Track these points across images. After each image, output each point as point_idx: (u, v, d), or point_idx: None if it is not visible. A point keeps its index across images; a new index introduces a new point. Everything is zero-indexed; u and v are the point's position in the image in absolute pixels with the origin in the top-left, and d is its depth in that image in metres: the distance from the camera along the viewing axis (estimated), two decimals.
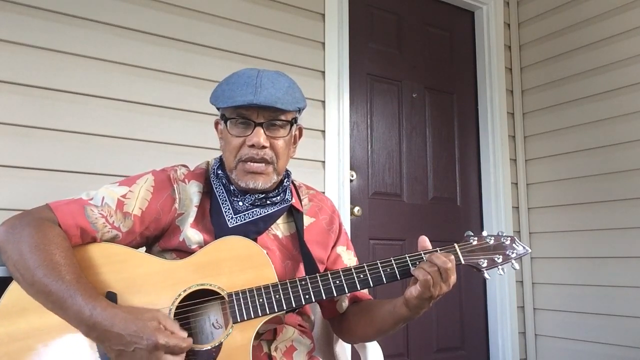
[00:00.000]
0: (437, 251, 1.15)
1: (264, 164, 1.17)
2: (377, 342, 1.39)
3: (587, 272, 2.75)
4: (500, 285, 2.93)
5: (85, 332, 0.99)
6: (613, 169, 2.67)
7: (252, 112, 1.16)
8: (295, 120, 1.23)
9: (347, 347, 1.65)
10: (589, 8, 2.84)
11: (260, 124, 1.16)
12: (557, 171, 2.93)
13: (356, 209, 2.56)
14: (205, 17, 2.18)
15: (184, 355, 0.98)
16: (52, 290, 0.98)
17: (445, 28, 3.07)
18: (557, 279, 2.89)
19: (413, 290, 1.09)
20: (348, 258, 1.35)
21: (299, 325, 1.26)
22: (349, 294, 1.29)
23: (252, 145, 1.16)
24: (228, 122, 1.19)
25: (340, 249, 1.34)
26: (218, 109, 1.23)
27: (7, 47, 1.78)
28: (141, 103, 2.00)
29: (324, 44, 2.47)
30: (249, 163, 1.17)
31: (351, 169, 2.57)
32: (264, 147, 1.16)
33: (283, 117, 1.19)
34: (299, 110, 1.23)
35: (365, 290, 1.33)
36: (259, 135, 1.16)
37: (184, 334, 0.99)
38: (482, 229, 2.99)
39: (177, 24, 2.11)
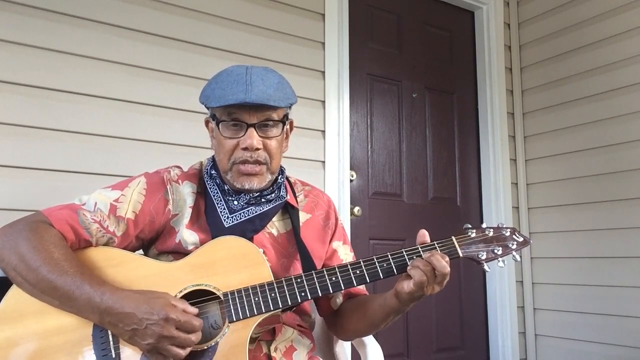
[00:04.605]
0: (434, 246, 1.13)
1: (257, 165, 1.17)
2: (377, 342, 1.39)
3: (587, 272, 2.75)
4: (500, 285, 2.93)
5: (97, 319, 1.00)
6: (613, 169, 2.67)
7: (243, 112, 1.15)
8: (286, 117, 1.22)
9: (347, 347, 1.65)
10: (589, 8, 2.84)
11: (253, 125, 1.15)
12: (557, 171, 2.93)
13: (356, 209, 2.56)
14: (205, 17, 2.18)
15: (199, 335, 0.99)
16: (58, 285, 0.99)
17: (445, 28, 3.07)
18: (557, 279, 2.89)
19: (405, 286, 1.09)
20: (344, 253, 1.34)
21: (298, 325, 1.25)
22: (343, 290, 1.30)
23: (246, 148, 1.15)
24: (220, 125, 1.18)
25: (336, 244, 1.34)
26: (208, 108, 1.22)
27: (7, 47, 1.78)
28: (141, 103, 2.00)
29: (324, 44, 2.46)
30: (243, 165, 1.16)
31: (351, 169, 2.57)
32: (257, 149, 1.15)
33: (275, 116, 1.18)
34: (290, 106, 1.22)
35: (362, 285, 1.33)
36: (252, 137, 1.15)
37: (195, 310, 1.01)
38: None
39: (177, 24, 2.11)
